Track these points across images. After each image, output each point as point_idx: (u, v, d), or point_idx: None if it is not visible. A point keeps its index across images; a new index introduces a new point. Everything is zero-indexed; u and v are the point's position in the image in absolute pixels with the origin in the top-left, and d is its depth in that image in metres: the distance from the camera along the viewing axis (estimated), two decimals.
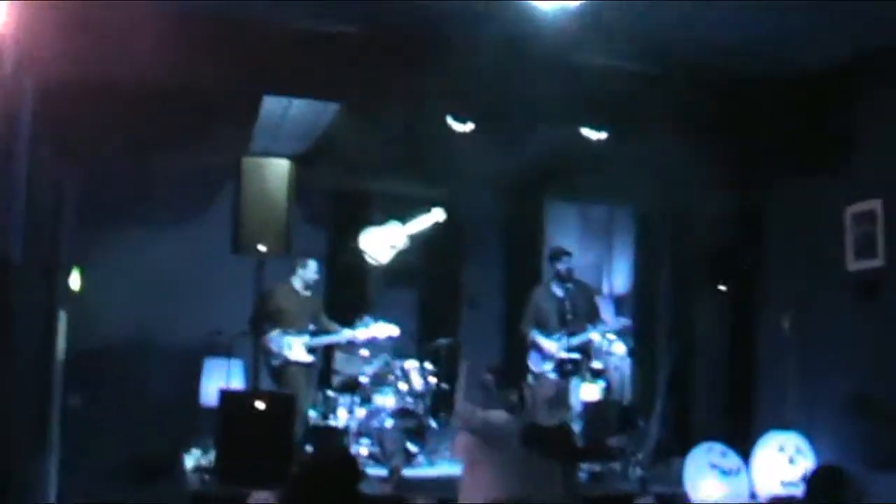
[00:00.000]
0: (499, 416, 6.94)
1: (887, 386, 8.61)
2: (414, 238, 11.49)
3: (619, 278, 13.32)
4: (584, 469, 9.60)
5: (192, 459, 9.50)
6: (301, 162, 10.41)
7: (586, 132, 9.54)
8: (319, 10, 8.07)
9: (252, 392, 9.80)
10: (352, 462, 4.75)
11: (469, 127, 9.23)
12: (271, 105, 9.14)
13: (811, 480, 6.13)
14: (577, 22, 7.05)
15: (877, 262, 9.03)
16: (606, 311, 12.45)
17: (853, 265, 9.28)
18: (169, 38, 7.35)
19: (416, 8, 7.84)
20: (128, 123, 8.93)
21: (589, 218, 13.41)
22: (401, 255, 11.47)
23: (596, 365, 11.31)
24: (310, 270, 10.40)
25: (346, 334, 10.39)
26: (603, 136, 9.53)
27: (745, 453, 9.21)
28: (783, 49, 8.83)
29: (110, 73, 7.69)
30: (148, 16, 7.35)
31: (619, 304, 13.14)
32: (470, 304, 12.45)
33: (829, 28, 8.41)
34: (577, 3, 6.50)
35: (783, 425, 9.43)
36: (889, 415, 8.44)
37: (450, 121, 9.17)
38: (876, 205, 9.05)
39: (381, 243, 11.41)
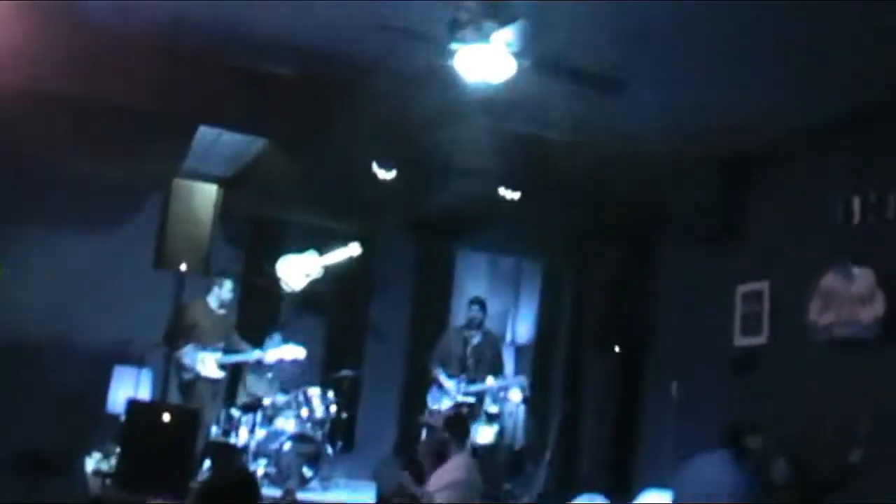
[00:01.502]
0: None
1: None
2: (329, 269, 11.85)
3: (523, 328, 13.76)
4: None
5: (92, 462, 9.66)
6: (228, 186, 10.71)
7: (502, 190, 10.05)
8: (258, 51, 8.40)
9: (159, 404, 9.99)
10: (252, 482, 5.02)
11: (392, 174, 9.68)
12: (206, 130, 9.48)
13: None
14: (503, 91, 7.40)
15: (761, 339, 9.61)
16: (507, 359, 12.93)
17: (739, 341, 9.86)
18: (109, 58, 7.69)
19: (354, 59, 8.23)
20: (64, 132, 9.15)
21: (498, 268, 13.85)
22: (314, 284, 11.83)
23: (492, 409, 11.71)
24: (225, 290, 10.60)
25: (256, 354, 10.66)
26: (517, 195, 10.03)
27: None
28: (686, 133, 9.36)
29: (46, 84, 7.97)
30: (101, 36, 7.70)
31: (519, 352, 13.59)
32: (376, 336, 12.83)
33: (727, 116, 8.98)
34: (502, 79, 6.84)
35: (661, 483, 9.87)
36: None
37: (375, 167, 9.60)
38: (763, 286, 9.65)
39: (297, 270, 11.74)
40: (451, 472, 8.00)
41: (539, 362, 13.21)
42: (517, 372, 12.99)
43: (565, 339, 12.87)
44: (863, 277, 8.45)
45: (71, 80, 7.96)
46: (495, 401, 11.76)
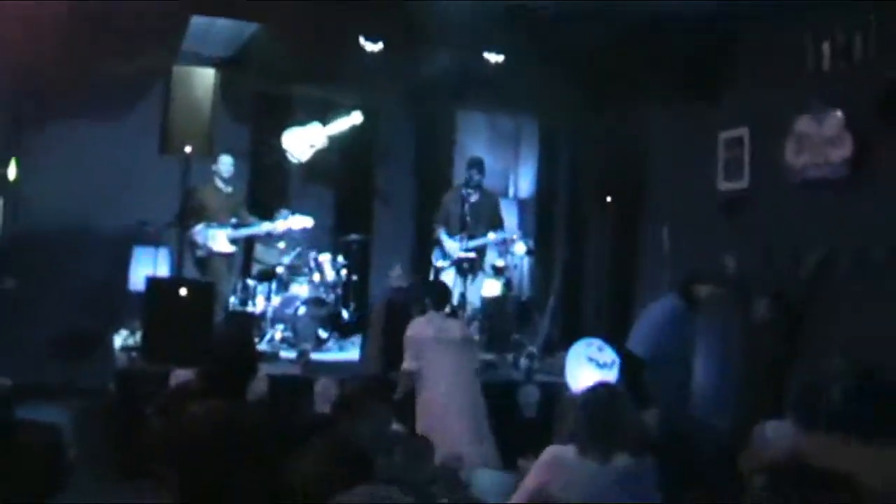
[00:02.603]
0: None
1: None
2: (333, 139, 12.25)
3: (524, 184, 14.18)
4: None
5: (120, 339, 10.24)
6: (228, 66, 11.06)
7: (487, 56, 10.40)
8: None
9: (176, 279, 10.47)
10: (246, 341, 5.60)
11: (379, 46, 10.03)
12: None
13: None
14: None
15: (743, 184, 10.04)
16: (511, 213, 13.38)
17: (723, 185, 10.28)
18: None
19: None
20: (63, 32, 9.49)
21: (498, 128, 14.12)
22: (320, 154, 12.26)
23: (498, 263, 12.20)
24: (223, 165, 10.92)
25: (264, 227, 11.05)
26: (500, 58, 10.37)
27: (621, 349, 10.15)
28: None
29: None
30: None
31: (522, 206, 14.00)
32: (383, 201, 13.31)
33: None
34: None
35: None
36: None
37: (362, 40, 9.95)
38: (743, 132, 10.03)
39: (302, 142, 12.14)
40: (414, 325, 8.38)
41: (541, 215, 13.67)
42: (521, 224, 13.49)
43: (565, 192, 13.27)
44: (832, 120, 8.82)
45: None
46: (501, 255, 12.26)
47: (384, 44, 10.04)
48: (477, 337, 10.54)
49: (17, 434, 4.60)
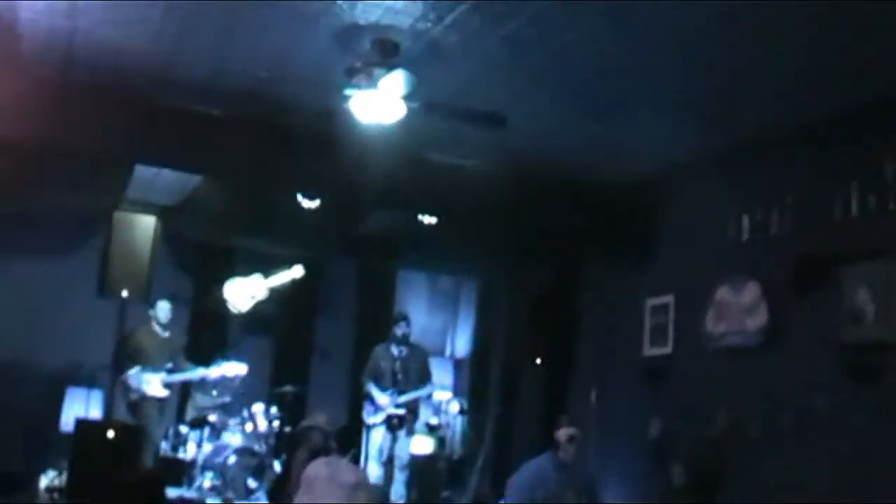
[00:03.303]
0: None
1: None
2: (274, 290, 12.49)
3: (461, 342, 14.42)
4: None
5: (46, 479, 10.25)
6: (171, 214, 11.40)
7: (421, 217, 10.79)
8: (193, 92, 9.08)
9: (105, 422, 10.56)
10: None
11: (316, 203, 10.41)
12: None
13: None
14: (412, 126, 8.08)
15: (666, 349, 10.33)
16: (445, 373, 13.59)
17: (648, 351, 10.56)
18: (54, 101, 8.38)
19: (273, 99, 8.92)
20: (7, 172, 9.80)
21: (438, 286, 14.47)
22: (260, 305, 12.47)
23: (432, 420, 12.36)
24: (161, 310, 11.09)
25: (199, 372, 11.20)
26: (433, 220, 10.75)
27: None
28: (595, 159, 10.12)
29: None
30: (40, 83, 8.38)
31: (458, 365, 14.23)
32: (321, 354, 13.48)
33: (634, 144, 9.70)
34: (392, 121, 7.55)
35: None
36: None
37: (299, 197, 10.33)
38: (669, 299, 10.37)
39: (243, 293, 12.37)
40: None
41: (476, 374, 13.86)
42: (455, 383, 13.70)
43: (499, 352, 13.48)
44: (750, 289, 9.16)
45: (12, 123, 8.56)
46: (436, 413, 12.42)
47: (321, 201, 10.39)
48: (402, 493, 10.70)
49: None
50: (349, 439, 8.83)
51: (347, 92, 7.33)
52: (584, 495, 8.00)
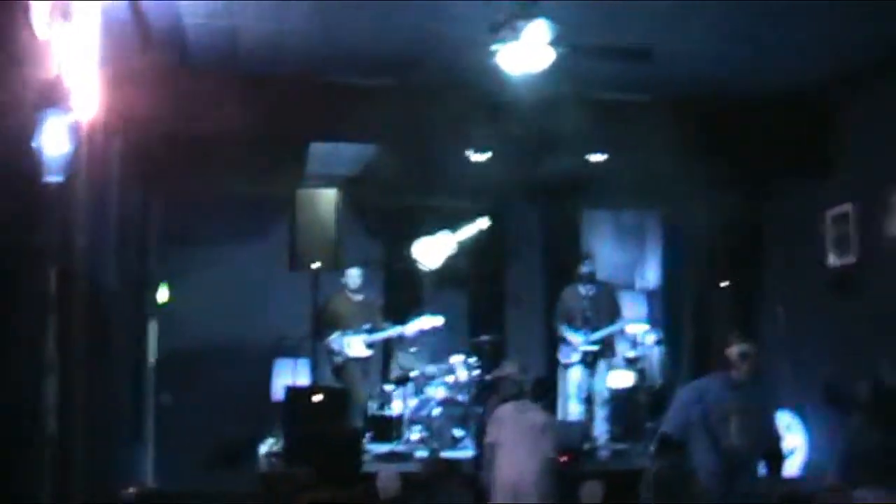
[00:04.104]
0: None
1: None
2: (462, 245, 12.82)
3: (651, 274, 14.50)
4: (610, 448, 10.92)
5: (265, 447, 10.86)
6: (353, 184, 11.87)
7: (590, 157, 10.93)
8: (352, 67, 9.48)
9: (312, 387, 11.00)
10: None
11: (487, 155, 10.71)
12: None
13: None
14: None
15: (851, 259, 10.20)
16: (638, 306, 13.71)
17: (833, 261, 10.46)
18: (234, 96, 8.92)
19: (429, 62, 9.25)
20: (202, 163, 10.46)
21: (622, 223, 14.52)
22: (450, 260, 12.83)
23: (629, 354, 12.51)
24: (351, 278, 11.63)
25: (396, 329, 11.66)
26: (603, 158, 10.88)
27: None
28: (764, 73, 10.05)
29: (188, 125, 9.23)
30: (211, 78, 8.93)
31: (650, 297, 14.31)
32: (515, 302, 13.78)
33: (804, 52, 9.59)
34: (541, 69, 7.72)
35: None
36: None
37: (469, 153, 10.64)
38: (848, 208, 10.23)
39: (433, 250, 12.76)
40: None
41: (668, 303, 13.96)
42: (649, 315, 13.82)
43: (688, 280, 13.52)
44: None
45: (195, 119, 9.13)
46: (633, 346, 12.56)
47: (491, 153, 10.68)
48: (605, 428, 10.94)
49: None
50: (544, 390, 9.14)
51: (494, 47, 7.52)
52: (756, 418, 7.26)
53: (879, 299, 9.69)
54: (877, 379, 8.95)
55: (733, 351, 7.31)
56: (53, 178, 5.34)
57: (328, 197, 10.90)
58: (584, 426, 11.12)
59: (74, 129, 5.49)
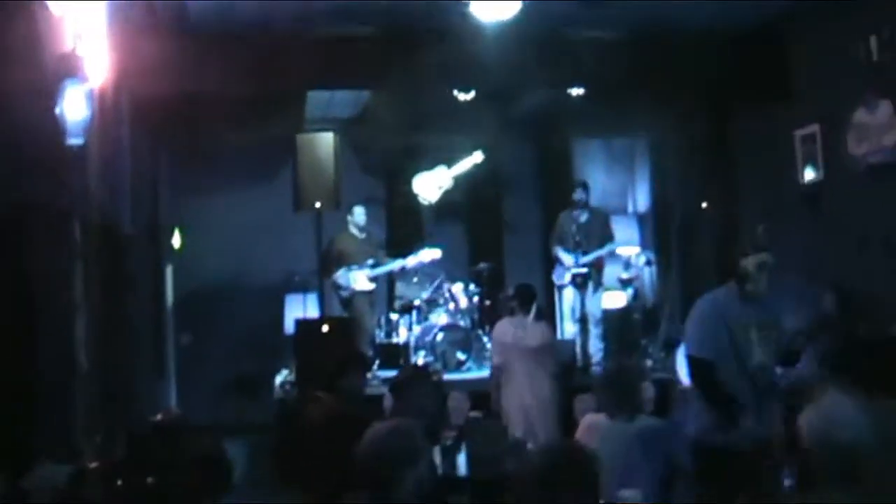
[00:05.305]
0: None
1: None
2: (459, 178, 13.49)
3: (642, 198, 15.14)
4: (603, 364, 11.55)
5: (280, 377, 11.55)
6: (351, 126, 12.55)
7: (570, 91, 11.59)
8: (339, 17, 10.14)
9: (319, 318, 11.68)
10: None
11: (471, 94, 11.38)
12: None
13: None
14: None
15: (819, 176, 10.85)
16: (630, 229, 14.37)
17: (802, 179, 11.09)
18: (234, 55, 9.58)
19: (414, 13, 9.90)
20: (208, 117, 11.18)
21: (613, 151, 15.11)
22: (448, 194, 13.53)
23: (623, 275, 13.12)
24: (357, 215, 12.07)
25: (398, 263, 12.18)
26: (581, 91, 11.55)
27: None
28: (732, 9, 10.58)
29: (193, 82, 9.91)
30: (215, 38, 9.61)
31: (641, 220, 14.98)
32: (509, 229, 14.49)
33: None
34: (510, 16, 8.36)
35: None
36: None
37: (455, 92, 11.30)
38: (815, 128, 10.84)
39: (431, 185, 13.42)
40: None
41: (658, 225, 14.57)
42: (641, 237, 14.48)
43: (674, 203, 14.09)
44: (883, 109, 9.59)
45: (195, 79, 9.82)
46: (626, 267, 13.17)
47: (475, 92, 11.37)
48: (600, 346, 11.66)
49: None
50: (528, 297, 9.58)
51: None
52: (774, 332, 6.61)
53: (843, 215, 10.30)
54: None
55: (750, 262, 6.48)
56: (75, 140, 6.04)
57: (326, 140, 11.49)
58: (577, 344, 11.69)
59: (90, 96, 6.18)
